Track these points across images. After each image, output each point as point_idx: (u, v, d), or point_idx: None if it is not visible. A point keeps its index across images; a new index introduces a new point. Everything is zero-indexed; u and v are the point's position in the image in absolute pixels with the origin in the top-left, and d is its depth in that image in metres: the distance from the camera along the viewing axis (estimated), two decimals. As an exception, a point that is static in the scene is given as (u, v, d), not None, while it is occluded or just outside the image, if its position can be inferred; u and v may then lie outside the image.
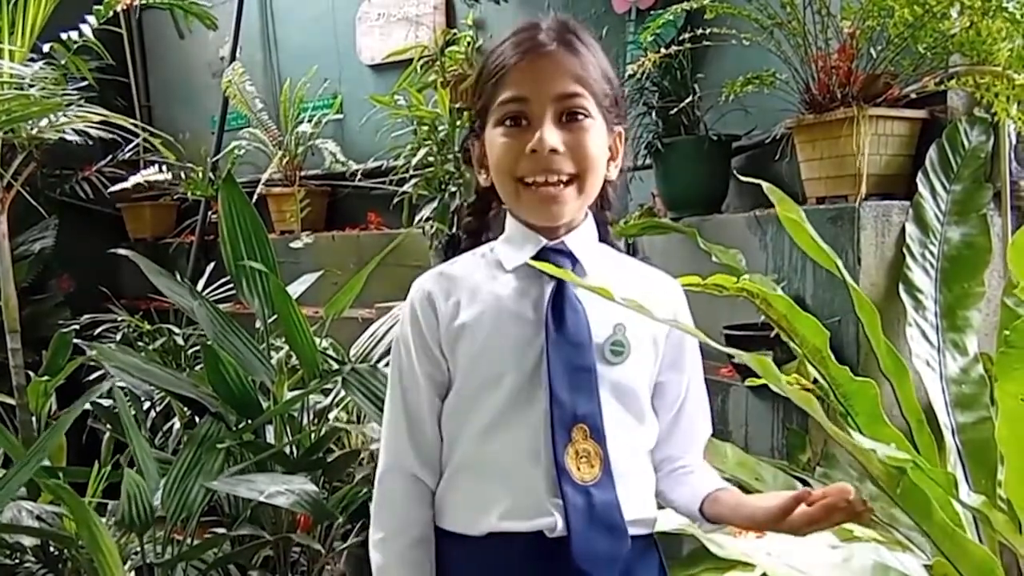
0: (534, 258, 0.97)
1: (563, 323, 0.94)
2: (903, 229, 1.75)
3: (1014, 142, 1.81)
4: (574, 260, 0.98)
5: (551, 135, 0.93)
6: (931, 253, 1.74)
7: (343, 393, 1.90)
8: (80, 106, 2.12)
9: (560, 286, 0.96)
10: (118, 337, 2.89)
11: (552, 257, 0.97)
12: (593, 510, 0.91)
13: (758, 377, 1.12)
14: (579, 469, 0.92)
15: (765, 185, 1.47)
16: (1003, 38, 1.59)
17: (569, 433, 0.92)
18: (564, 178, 0.94)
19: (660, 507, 1.04)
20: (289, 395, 1.97)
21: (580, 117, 0.95)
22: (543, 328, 0.94)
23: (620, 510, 0.93)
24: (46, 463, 1.94)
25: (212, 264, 2.93)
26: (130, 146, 3.56)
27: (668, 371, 1.02)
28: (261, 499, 1.61)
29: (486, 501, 0.95)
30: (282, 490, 1.62)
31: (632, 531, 0.95)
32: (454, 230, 1.00)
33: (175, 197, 3.70)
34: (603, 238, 1.04)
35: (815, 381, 1.41)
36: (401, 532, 0.99)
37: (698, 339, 0.99)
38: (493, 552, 0.94)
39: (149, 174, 3.05)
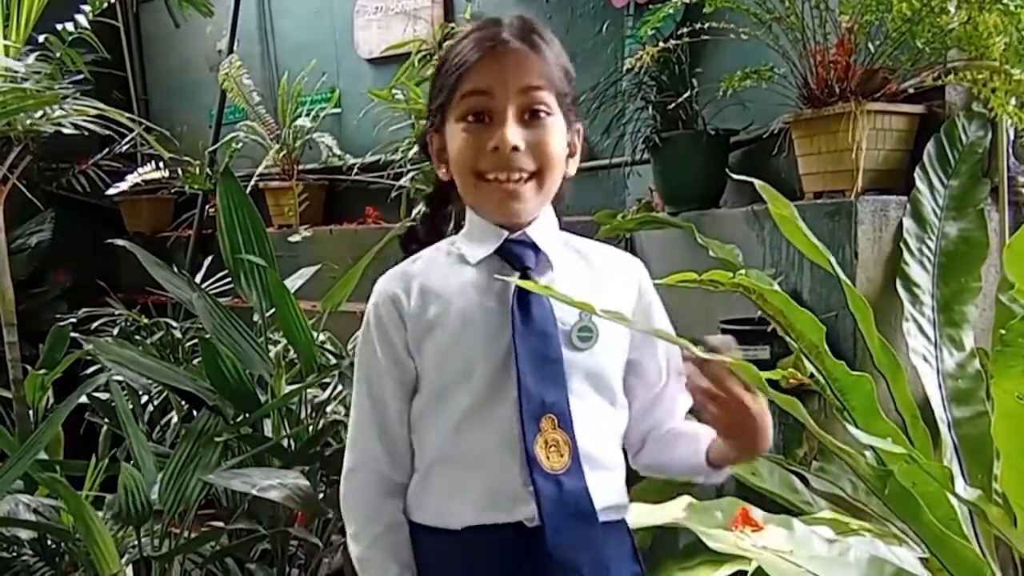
0: (497, 251, 0.98)
1: (529, 315, 0.95)
2: (900, 224, 1.75)
3: (1012, 137, 1.81)
4: (537, 250, 0.99)
5: (513, 133, 0.94)
6: (928, 248, 1.75)
7: (341, 387, 1.90)
8: (76, 99, 2.11)
9: (524, 278, 0.96)
10: (115, 331, 2.89)
11: (515, 248, 0.99)
12: (564, 499, 0.92)
13: (764, 368, 1.12)
14: (548, 458, 0.93)
15: (757, 183, 1.47)
16: (998, 32, 1.59)
17: (538, 423, 0.93)
18: (525, 175, 0.96)
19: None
20: (287, 389, 1.97)
21: (542, 115, 0.96)
22: (510, 320, 0.95)
23: (590, 498, 0.94)
24: (43, 456, 1.94)
25: (210, 258, 2.93)
26: (127, 139, 3.55)
27: (641, 348, 1.02)
28: (254, 492, 1.61)
29: (462, 494, 0.96)
30: (275, 484, 1.63)
31: (603, 517, 0.96)
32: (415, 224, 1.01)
33: (172, 191, 3.69)
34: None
35: (811, 376, 1.42)
36: (373, 520, 0.99)
37: (685, 343, 0.99)
38: (472, 544, 0.95)
39: (146, 172, 3.03)
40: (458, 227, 1.08)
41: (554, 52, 0.99)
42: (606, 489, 0.98)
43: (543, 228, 1.01)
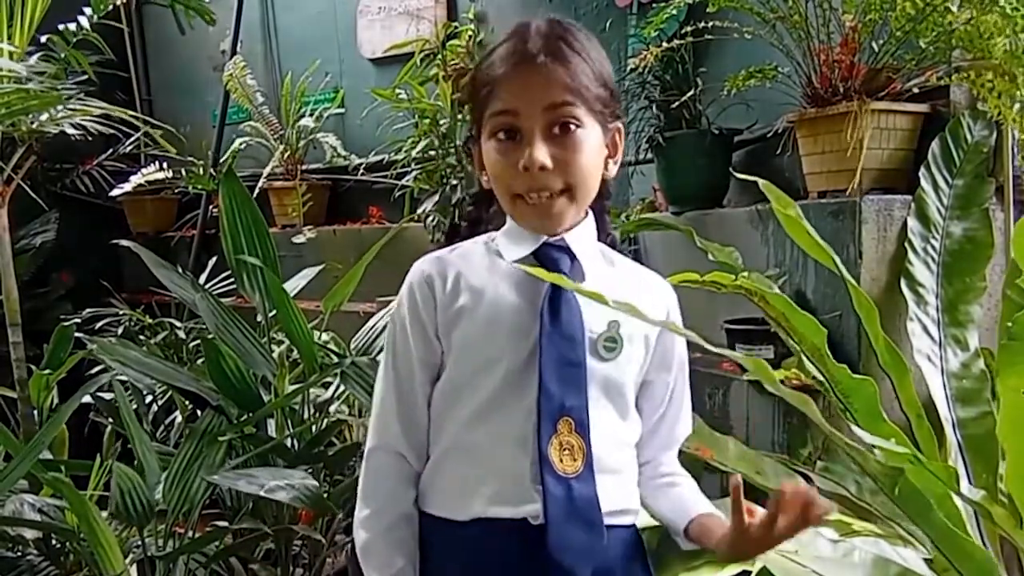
0: (534, 253, 0.99)
1: (558, 317, 0.95)
2: (905, 223, 1.75)
3: (1017, 136, 1.81)
4: (572, 257, 1.00)
5: (540, 152, 0.93)
6: (933, 248, 1.74)
7: (343, 387, 1.90)
8: (80, 99, 2.11)
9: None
10: (119, 331, 2.89)
11: (552, 253, 0.99)
12: (572, 503, 0.93)
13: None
14: (561, 461, 0.93)
15: (761, 182, 1.47)
16: (999, 33, 1.59)
17: (555, 425, 0.93)
18: (555, 191, 0.96)
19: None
20: (290, 389, 1.97)
21: (572, 127, 0.95)
22: (538, 320, 0.95)
23: (598, 505, 0.94)
24: (48, 456, 1.95)
25: (213, 258, 2.93)
26: (131, 140, 3.56)
27: (656, 370, 1.03)
28: (261, 494, 1.61)
29: (473, 486, 0.96)
30: (282, 484, 1.62)
31: (612, 521, 0.96)
32: (457, 221, 1.01)
33: (176, 191, 3.69)
34: (601, 227, 1.05)
35: (814, 377, 1.41)
36: (387, 510, 1.00)
37: (695, 337, 1.00)
38: (477, 537, 0.96)
39: (150, 173, 3.04)
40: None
41: (584, 56, 0.96)
42: (615, 493, 0.98)
43: (581, 236, 1.01)
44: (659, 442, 1.06)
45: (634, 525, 1.02)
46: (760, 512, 0.90)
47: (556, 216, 0.97)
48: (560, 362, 0.94)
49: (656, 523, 1.28)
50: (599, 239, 1.05)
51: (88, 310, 3.01)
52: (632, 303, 0.96)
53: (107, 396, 2.21)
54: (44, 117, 2.10)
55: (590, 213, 1.03)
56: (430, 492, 1.00)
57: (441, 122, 2.46)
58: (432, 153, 2.45)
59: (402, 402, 1.01)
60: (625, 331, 0.98)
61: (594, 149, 0.97)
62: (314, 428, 2.00)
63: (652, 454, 1.06)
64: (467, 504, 0.96)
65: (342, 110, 3.46)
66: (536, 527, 0.93)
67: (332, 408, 2.08)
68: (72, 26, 2.19)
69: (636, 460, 1.04)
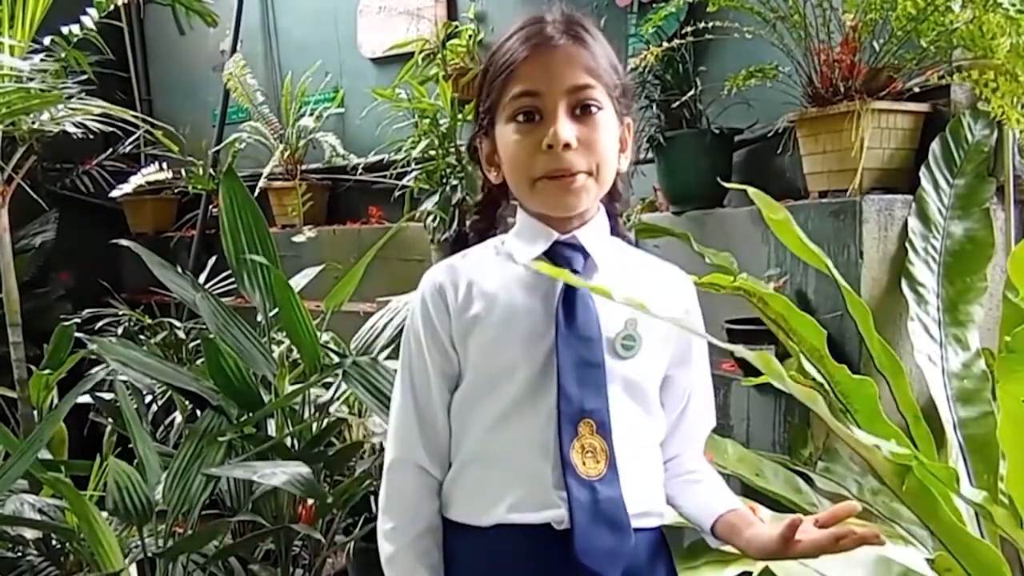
0: (546, 252, 0.97)
1: (573, 318, 0.94)
2: (906, 223, 1.75)
3: (1018, 136, 1.80)
4: (585, 254, 0.98)
5: (566, 129, 0.92)
6: (933, 247, 1.74)
7: (344, 386, 1.90)
8: (80, 99, 2.11)
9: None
10: (119, 331, 2.89)
11: (564, 251, 0.98)
12: (597, 505, 0.91)
13: (760, 375, 1.12)
14: (584, 464, 0.92)
15: (750, 190, 1.45)
16: (1003, 33, 1.58)
17: (576, 428, 0.92)
18: (579, 173, 0.95)
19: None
20: (290, 388, 1.97)
21: (593, 109, 0.95)
22: (554, 322, 0.94)
23: (624, 507, 0.93)
24: (48, 456, 1.95)
25: (213, 258, 2.93)
26: (130, 139, 3.55)
27: (676, 366, 1.02)
28: (254, 478, 1.62)
29: (494, 493, 0.95)
30: (276, 471, 1.63)
31: (638, 524, 0.95)
32: (463, 226, 1.00)
33: (176, 191, 3.69)
34: (614, 230, 1.04)
35: (813, 379, 1.41)
36: (411, 522, 0.99)
37: (704, 334, 0.99)
38: (500, 543, 0.94)
39: (149, 173, 3.03)
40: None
41: (600, 44, 0.97)
42: (641, 495, 0.96)
43: (594, 232, 1.00)
44: (682, 437, 1.05)
45: (659, 529, 1.01)
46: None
47: (577, 192, 0.95)
48: (578, 363, 0.93)
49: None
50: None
51: (88, 310, 3.01)
52: (647, 298, 0.96)
53: (107, 396, 2.21)
54: (45, 117, 2.10)
55: (602, 208, 1.02)
56: (452, 498, 0.99)
57: (441, 122, 2.45)
58: (432, 153, 2.45)
59: (421, 413, 1.00)
60: (643, 328, 0.96)
61: (612, 133, 0.97)
62: (314, 428, 2.00)
63: (676, 450, 1.05)
64: (489, 510, 0.94)
65: (342, 110, 3.45)
66: (560, 532, 0.92)
67: (332, 408, 2.07)
68: (75, 27, 2.19)
69: (661, 459, 1.03)
